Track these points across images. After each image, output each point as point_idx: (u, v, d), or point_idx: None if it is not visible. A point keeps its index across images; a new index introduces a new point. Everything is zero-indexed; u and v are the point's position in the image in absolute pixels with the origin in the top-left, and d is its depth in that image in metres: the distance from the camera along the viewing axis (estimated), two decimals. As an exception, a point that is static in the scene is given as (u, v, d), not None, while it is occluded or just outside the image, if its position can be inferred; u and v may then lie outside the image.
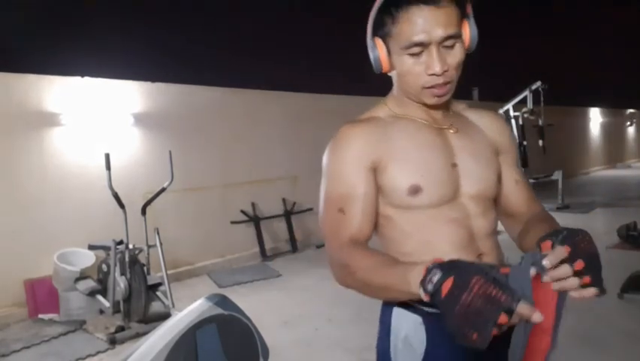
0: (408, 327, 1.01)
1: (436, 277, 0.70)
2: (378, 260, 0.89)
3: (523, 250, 1.02)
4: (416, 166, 1.00)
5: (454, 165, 1.04)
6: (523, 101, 7.30)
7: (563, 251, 0.74)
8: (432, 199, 1.00)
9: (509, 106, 7.44)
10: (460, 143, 1.06)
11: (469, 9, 0.99)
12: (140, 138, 4.72)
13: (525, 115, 7.32)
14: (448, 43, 0.94)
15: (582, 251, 0.75)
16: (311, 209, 6.09)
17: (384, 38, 0.99)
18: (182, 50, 4.32)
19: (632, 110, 17.56)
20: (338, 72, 5.67)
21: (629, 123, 17.65)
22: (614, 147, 16.52)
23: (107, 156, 3.51)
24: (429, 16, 0.91)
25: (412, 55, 0.95)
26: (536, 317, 0.66)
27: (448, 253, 0.98)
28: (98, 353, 3.20)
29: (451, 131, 1.07)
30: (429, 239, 1.02)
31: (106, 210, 4.14)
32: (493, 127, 1.14)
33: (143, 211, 3.83)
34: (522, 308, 0.65)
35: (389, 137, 1.02)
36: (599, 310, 3.52)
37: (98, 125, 4.38)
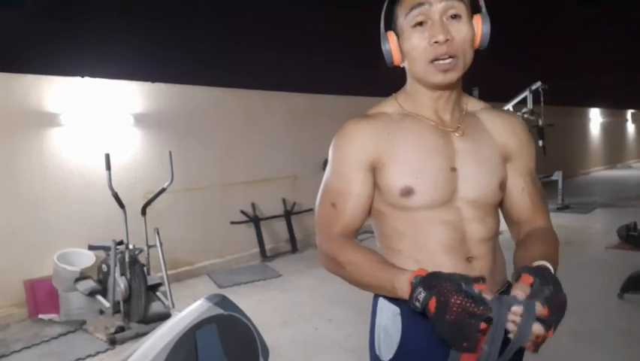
0: (387, 317, 1.06)
1: (421, 296, 0.81)
2: (366, 259, 0.97)
3: (514, 262, 1.01)
4: (411, 168, 1.01)
5: (453, 169, 1.03)
6: (523, 101, 7.30)
7: (541, 310, 0.78)
8: (424, 201, 1.01)
9: (509, 106, 7.44)
10: (464, 147, 1.05)
11: (482, 4, 1.02)
12: (140, 137, 4.72)
13: (525, 115, 7.32)
14: (452, 11, 0.97)
15: (553, 314, 0.78)
16: (311, 209, 6.09)
17: (395, 28, 1.03)
18: (183, 49, 4.32)
19: (632, 110, 17.57)
20: (339, 72, 5.67)
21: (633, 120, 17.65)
22: (614, 147, 16.52)
23: (107, 156, 3.51)
24: None
25: (416, 26, 0.98)
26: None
27: (437, 254, 1.02)
28: (98, 353, 3.20)
29: (457, 134, 1.05)
30: (420, 239, 1.03)
31: (106, 210, 4.14)
32: (506, 132, 1.11)
33: (143, 211, 3.83)
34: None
35: (391, 136, 1.04)
36: (599, 310, 3.52)
37: (98, 125, 4.38)
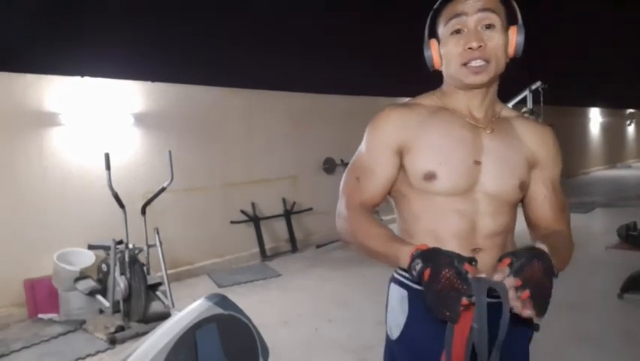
0: (396, 300, 1.16)
1: (418, 266, 0.92)
2: (377, 231, 1.07)
3: None
4: (436, 155, 1.09)
5: (477, 162, 1.10)
6: (523, 101, 7.29)
7: (513, 282, 0.89)
8: (444, 188, 1.08)
9: (509, 106, 7.43)
10: (491, 144, 1.12)
11: (519, 17, 1.09)
12: (140, 138, 4.72)
13: (525, 115, 7.29)
14: (486, 21, 1.05)
15: (531, 281, 0.89)
16: (311, 209, 6.09)
17: (436, 36, 1.13)
18: (183, 49, 4.31)
19: (631, 110, 17.57)
20: (339, 72, 5.66)
21: (628, 122, 17.66)
22: (614, 146, 16.53)
23: (107, 156, 3.51)
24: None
25: (454, 33, 1.07)
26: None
27: (445, 241, 1.09)
28: (98, 352, 3.21)
29: (487, 131, 1.12)
30: (432, 225, 1.11)
31: (106, 210, 4.14)
32: (536, 140, 1.17)
33: (143, 211, 3.83)
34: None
35: (424, 124, 1.12)
36: (599, 310, 3.53)
37: (98, 125, 4.38)
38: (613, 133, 16.41)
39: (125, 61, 4.21)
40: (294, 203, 6.02)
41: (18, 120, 3.97)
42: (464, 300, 0.88)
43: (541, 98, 7.18)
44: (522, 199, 1.18)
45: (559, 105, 10.46)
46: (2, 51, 3.46)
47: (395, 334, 1.14)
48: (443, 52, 1.10)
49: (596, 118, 15.15)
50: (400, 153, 1.12)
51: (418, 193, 1.12)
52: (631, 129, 18.15)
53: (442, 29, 1.10)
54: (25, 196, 4.00)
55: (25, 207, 4.01)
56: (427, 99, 1.18)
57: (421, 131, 1.11)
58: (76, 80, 4.26)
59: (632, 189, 10.46)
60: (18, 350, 3.27)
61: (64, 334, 3.54)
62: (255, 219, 5.57)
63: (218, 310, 1.30)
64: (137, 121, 4.66)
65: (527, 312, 0.89)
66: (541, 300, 0.89)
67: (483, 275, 0.90)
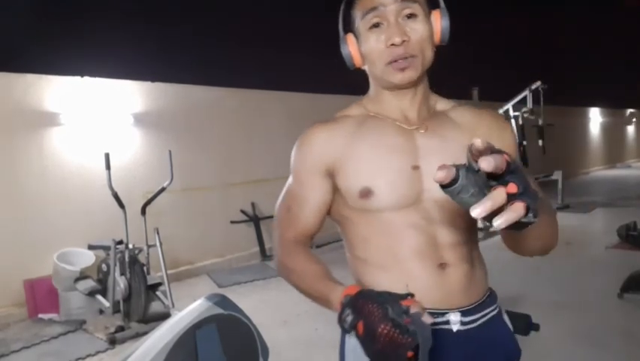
0: (350, 349, 1.02)
1: (349, 318, 0.80)
2: (310, 269, 0.96)
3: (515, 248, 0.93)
4: (369, 168, 0.98)
5: (415, 167, 0.97)
6: (523, 101, 7.29)
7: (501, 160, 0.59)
8: (385, 202, 0.96)
9: (509, 106, 7.43)
10: (429, 144, 0.99)
11: (440, 0, 0.99)
12: (140, 138, 4.72)
13: (525, 115, 7.31)
14: (407, 11, 0.95)
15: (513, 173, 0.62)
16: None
17: (353, 31, 1.01)
18: (182, 49, 4.32)
19: (631, 110, 17.58)
20: (338, 72, 5.68)
21: (635, 120, 17.67)
22: (614, 146, 16.53)
23: (107, 156, 3.51)
24: None
25: (372, 28, 0.96)
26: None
27: (407, 260, 0.97)
28: (98, 352, 3.21)
29: (421, 131, 1.00)
30: (386, 245, 0.99)
31: (106, 210, 4.14)
32: (473, 124, 1.03)
33: (143, 211, 3.82)
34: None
35: (351, 138, 1.01)
36: (599, 310, 3.52)
37: (97, 124, 4.38)
38: (613, 133, 16.41)
39: (125, 61, 4.22)
40: (294, 203, 6.02)
41: (18, 120, 3.97)
42: (409, 353, 0.73)
43: (541, 98, 7.17)
44: None
45: (559, 105, 10.47)
46: (2, 51, 3.47)
47: None
48: (364, 50, 0.99)
49: (596, 118, 15.15)
50: (331, 174, 1.00)
51: (361, 213, 0.99)
52: (631, 129, 18.15)
53: (358, 23, 0.99)
54: (26, 196, 4.00)
55: (25, 207, 4.01)
56: (354, 109, 1.07)
57: (348, 146, 0.99)
58: (76, 80, 4.26)
59: (632, 189, 10.46)
60: (18, 350, 3.28)
61: (65, 334, 3.54)
62: (255, 219, 5.57)
63: (218, 310, 1.29)
64: (136, 121, 4.66)
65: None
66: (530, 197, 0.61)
67: (425, 315, 0.75)
